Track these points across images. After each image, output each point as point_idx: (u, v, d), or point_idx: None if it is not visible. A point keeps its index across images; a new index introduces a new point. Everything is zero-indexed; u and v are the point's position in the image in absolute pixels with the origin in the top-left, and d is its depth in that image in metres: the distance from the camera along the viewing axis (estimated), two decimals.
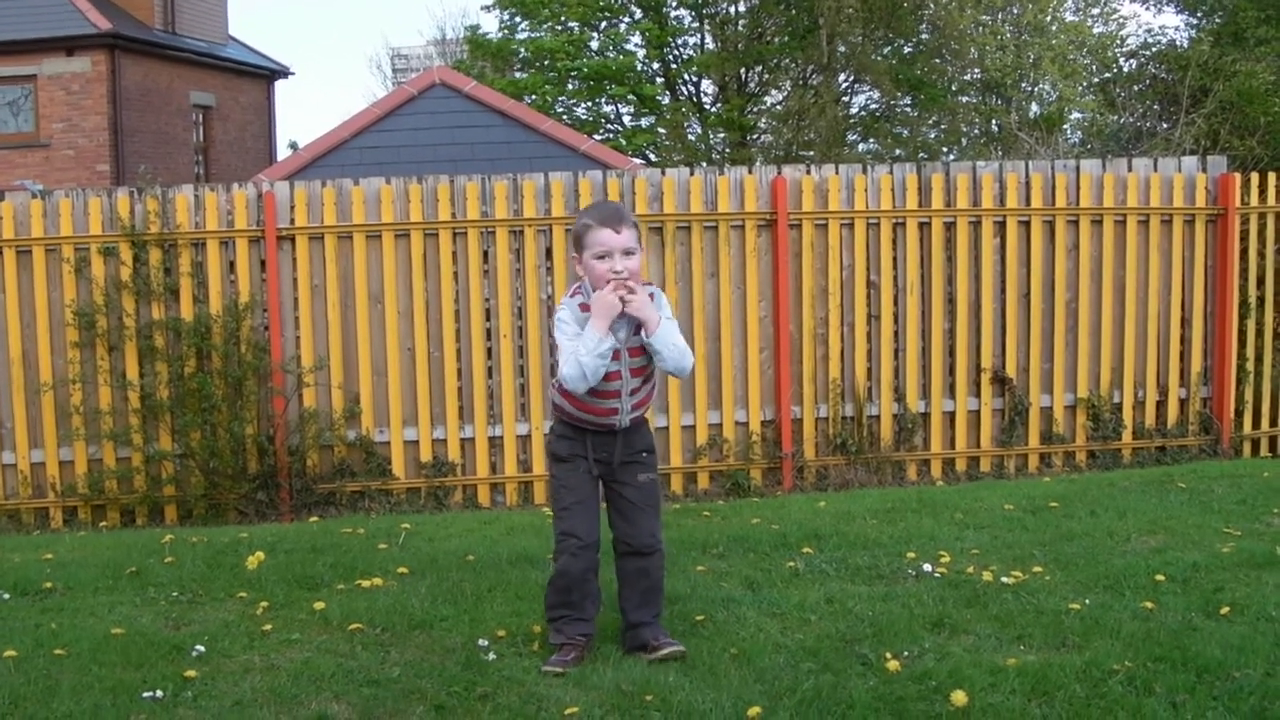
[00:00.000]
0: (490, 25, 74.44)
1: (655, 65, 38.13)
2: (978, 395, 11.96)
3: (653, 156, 35.66)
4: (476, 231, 11.35)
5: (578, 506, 5.83)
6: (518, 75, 36.46)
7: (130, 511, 11.24)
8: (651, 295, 5.76)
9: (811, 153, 33.79)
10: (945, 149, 36.88)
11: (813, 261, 11.65)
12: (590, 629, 5.81)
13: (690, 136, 36.82)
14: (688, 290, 11.52)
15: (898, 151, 35.95)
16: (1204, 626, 5.93)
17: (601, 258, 5.67)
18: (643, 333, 5.70)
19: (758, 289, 11.62)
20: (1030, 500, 9.13)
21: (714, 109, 37.96)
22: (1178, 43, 32.45)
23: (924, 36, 37.15)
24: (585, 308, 5.72)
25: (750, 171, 11.75)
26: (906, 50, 37.59)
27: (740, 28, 37.09)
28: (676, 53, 38.30)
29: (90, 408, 11.05)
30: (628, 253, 5.67)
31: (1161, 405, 12.28)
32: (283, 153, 39.56)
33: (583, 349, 5.61)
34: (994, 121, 36.93)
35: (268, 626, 6.33)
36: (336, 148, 18.26)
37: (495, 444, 11.50)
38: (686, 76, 38.54)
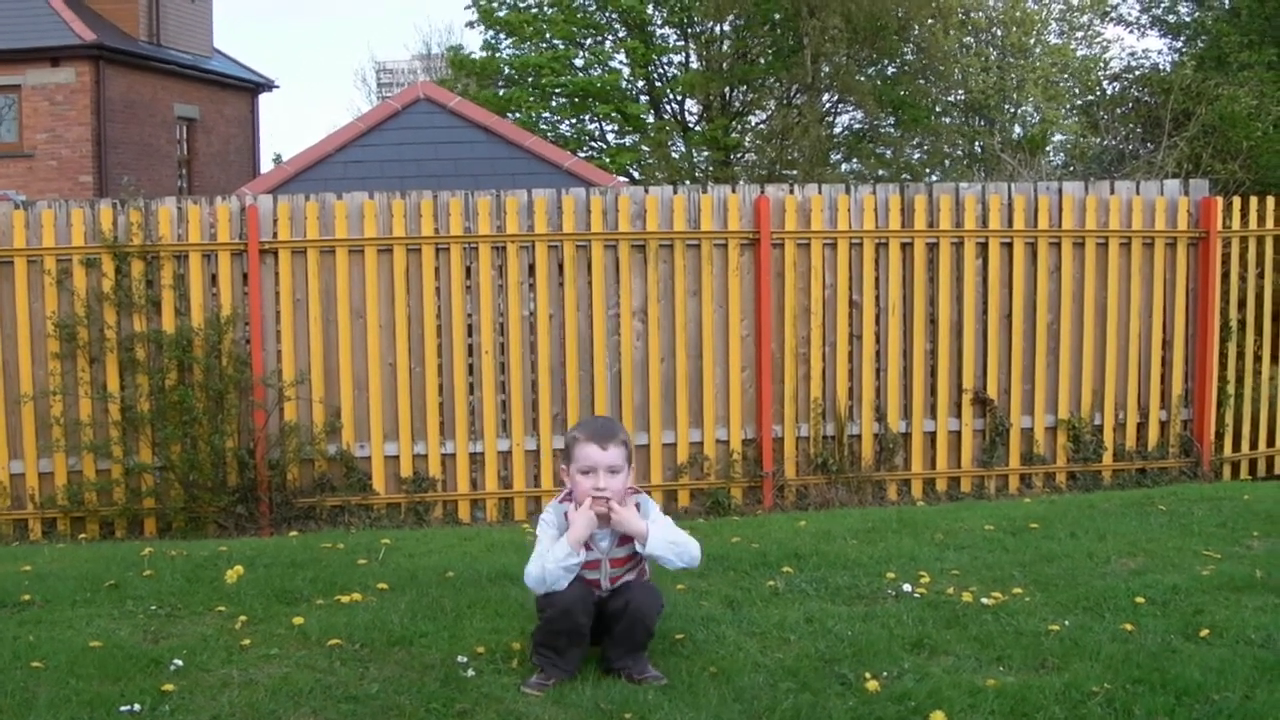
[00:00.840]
0: (474, 42, 74.43)
1: (640, 83, 38.20)
2: (959, 416, 11.97)
3: (636, 175, 35.71)
4: (459, 247, 11.34)
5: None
6: (501, 92, 36.50)
7: (109, 524, 11.20)
8: (638, 504, 5.76)
9: (795, 172, 33.86)
10: (928, 170, 36.98)
11: (795, 281, 11.66)
12: (572, 675, 5.74)
13: (674, 155, 36.87)
14: (670, 308, 11.53)
15: (881, 172, 36.06)
16: (1183, 649, 5.93)
17: (586, 473, 5.65)
18: (636, 545, 5.69)
19: (740, 308, 11.63)
20: (1010, 521, 9.13)
21: (698, 128, 38.02)
22: (1161, 66, 32.61)
23: (908, 57, 37.27)
24: (570, 516, 5.73)
25: (734, 190, 11.77)
26: (890, 71, 37.73)
27: (725, 47, 37.20)
28: (661, 71, 38.38)
29: (70, 419, 11.01)
30: (613, 471, 5.65)
31: (1142, 427, 12.31)
32: (266, 166, 39.55)
33: (551, 556, 5.61)
34: (977, 143, 37.06)
35: (246, 641, 6.31)
36: (320, 162, 18.28)
37: (476, 460, 11.49)
38: (671, 95, 38.62)
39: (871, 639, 6.15)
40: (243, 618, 6.73)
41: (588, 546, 5.68)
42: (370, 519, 11.20)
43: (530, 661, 5.77)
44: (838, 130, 38.94)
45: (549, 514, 5.80)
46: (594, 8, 37.42)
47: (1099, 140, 30.43)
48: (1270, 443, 12.87)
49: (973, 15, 37.60)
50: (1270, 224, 12.65)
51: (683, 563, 5.72)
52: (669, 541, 5.68)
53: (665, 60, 38.42)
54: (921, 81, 37.31)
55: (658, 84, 38.38)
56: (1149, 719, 5.05)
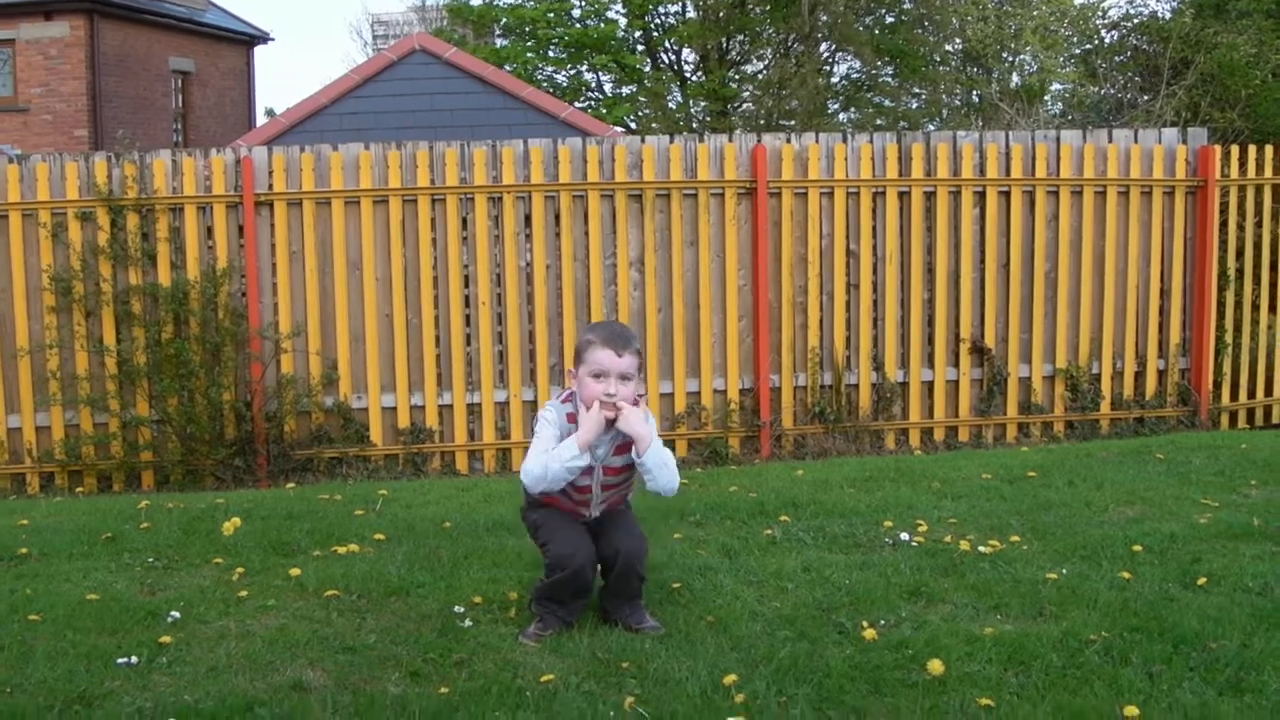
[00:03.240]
0: None
1: (637, 34, 38.02)
2: (956, 365, 11.96)
3: (633, 125, 35.58)
4: (455, 198, 11.31)
5: (563, 529, 5.75)
6: (499, 43, 36.34)
7: (107, 477, 11.21)
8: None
9: (793, 122, 33.75)
10: (926, 119, 36.85)
11: (792, 230, 11.64)
12: (571, 625, 5.73)
13: (671, 105, 36.73)
14: (667, 258, 11.51)
15: (879, 121, 35.93)
16: (1181, 597, 5.94)
17: (597, 377, 5.57)
18: (634, 451, 5.60)
19: (737, 257, 11.60)
20: (1008, 470, 9.14)
21: (695, 78, 37.87)
22: (1159, 14, 32.46)
23: (906, 6, 37.10)
24: (572, 418, 5.65)
25: (730, 139, 11.73)
26: (888, 20, 37.54)
27: None
28: (658, 21, 38.19)
29: (67, 373, 11.01)
30: (624, 378, 5.57)
31: (1140, 376, 12.30)
32: (261, 119, 39.42)
33: (555, 455, 5.54)
34: (975, 92, 36.93)
35: (243, 593, 6.31)
36: (315, 114, 18.23)
37: (473, 411, 11.48)
38: (667, 45, 38.44)
39: (869, 587, 6.15)
40: (240, 569, 6.74)
41: None
42: (368, 470, 11.20)
43: (528, 610, 5.76)
44: (835, 80, 38.77)
45: (549, 412, 5.73)
46: None
47: (1097, 89, 30.34)
48: (1268, 392, 12.87)
49: None
50: (1268, 172, 12.62)
51: (664, 483, 5.62)
52: (662, 460, 5.61)
53: (662, 10, 38.23)
54: (919, 30, 37.15)
55: (654, 34, 38.20)
56: (1146, 667, 5.05)
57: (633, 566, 5.72)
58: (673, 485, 5.66)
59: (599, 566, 5.78)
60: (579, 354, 5.69)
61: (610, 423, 5.60)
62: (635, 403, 5.64)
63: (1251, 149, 12.61)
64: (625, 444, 5.67)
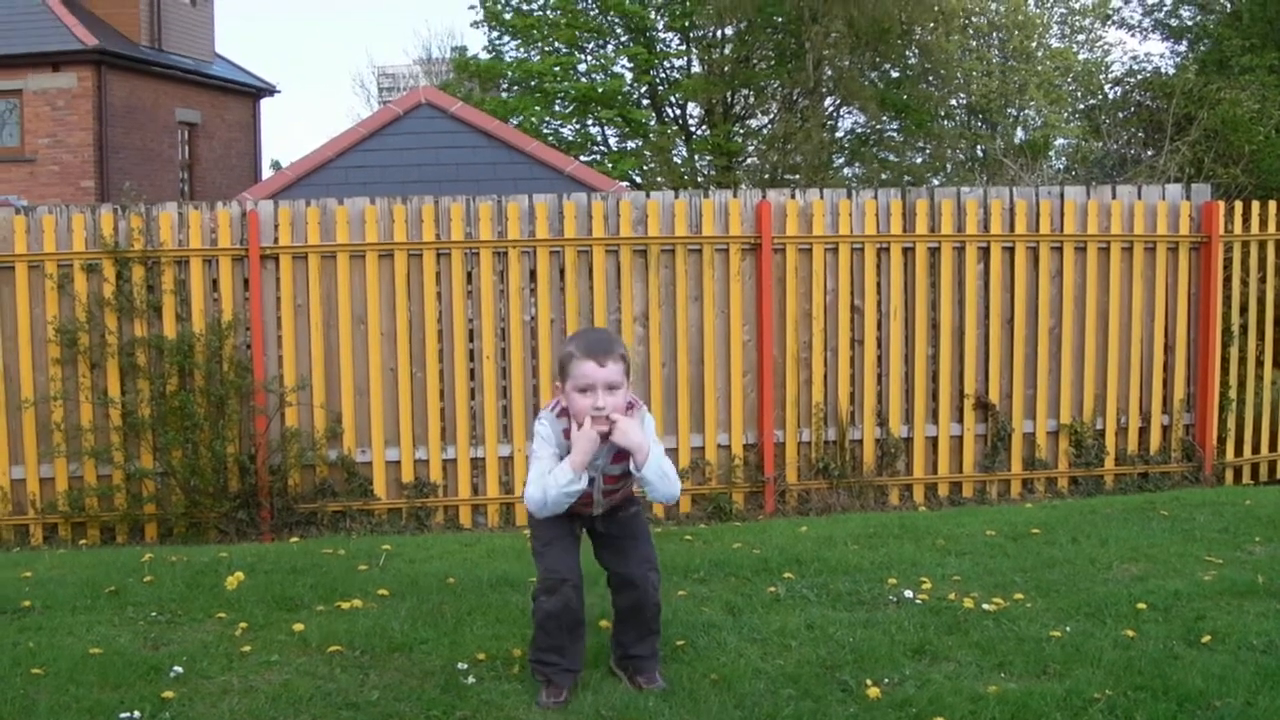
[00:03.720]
0: (477, 43, 74.45)
1: (642, 88, 38.19)
2: (961, 420, 11.95)
3: (639, 180, 35.70)
4: (460, 252, 11.34)
5: (558, 541, 5.65)
6: (504, 95, 36.52)
7: (111, 529, 11.20)
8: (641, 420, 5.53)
9: (797, 176, 33.87)
10: (931, 174, 36.97)
11: (796, 286, 11.65)
12: (578, 675, 5.66)
13: (676, 160, 36.87)
14: (671, 313, 11.52)
15: (884, 175, 36.05)
16: (1185, 655, 5.92)
17: (584, 391, 5.39)
18: (631, 464, 5.43)
19: (741, 313, 11.61)
20: (1012, 527, 9.11)
21: (700, 132, 38.03)
22: (1163, 70, 32.59)
23: (911, 61, 37.28)
24: (569, 434, 5.47)
25: (735, 195, 11.76)
26: (893, 74, 37.72)
27: (727, 51, 37.19)
28: (664, 75, 38.37)
29: (72, 425, 11.01)
30: (611, 387, 5.39)
31: (1144, 432, 12.29)
32: (267, 171, 39.56)
33: (553, 480, 5.39)
34: (979, 147, 37.06)
35: (246, 648, 6.30)
36: (321, 167, 18.29)
37: (477, 465, 11.48)
38: (673, 100, 38.62)
39: (873, 645, 6.13)
40: (243, 624, 6.73)
41: None
42: (371, 524, 11.19)
43: (534, 678, 5.68)
44: (840, 134, 38.96)
45: (544, 428, 5.54)
46: (596, 12, 37.42)
47: (1101, 144, 30.40)
48: (1272, 447, 12.86)
49: (974, 19, 37.63)
50: (1272, 228, 12.63)
51: (663, 493, 5.47)
52: (661, 471, 5.44)
53: (667, 65, 38.42)
54: (924, 85, 37.31)
55: (660, 89, 38.37)
56: None
57: (649, 596, 5.66)
58: (673, 494, 5.53)
59: (608, 589, 5.75)
60: (562, 368, 5.50)
61: (605, 436, 5.42)
62: (628, 410, 5.47)
63: (1255, 205, 12.64)
64: (624, 452, 5.49)
